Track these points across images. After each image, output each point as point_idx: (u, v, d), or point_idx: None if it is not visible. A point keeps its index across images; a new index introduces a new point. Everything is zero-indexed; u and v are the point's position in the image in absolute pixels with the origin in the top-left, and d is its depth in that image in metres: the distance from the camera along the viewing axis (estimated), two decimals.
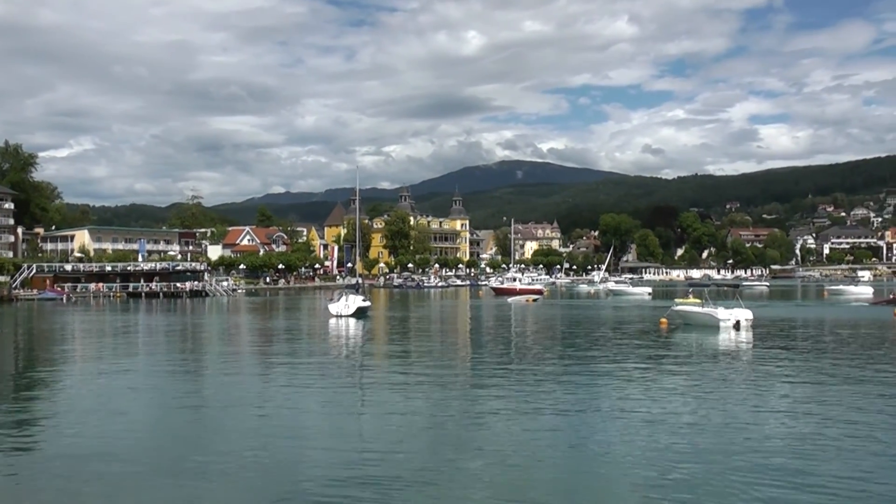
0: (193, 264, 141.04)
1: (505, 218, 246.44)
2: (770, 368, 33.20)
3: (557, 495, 14.92)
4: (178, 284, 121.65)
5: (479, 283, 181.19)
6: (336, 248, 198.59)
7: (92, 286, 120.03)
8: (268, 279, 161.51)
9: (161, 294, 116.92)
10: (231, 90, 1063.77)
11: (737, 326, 51.23)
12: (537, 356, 38.78)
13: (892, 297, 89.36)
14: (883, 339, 48.38)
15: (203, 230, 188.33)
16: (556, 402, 24.55)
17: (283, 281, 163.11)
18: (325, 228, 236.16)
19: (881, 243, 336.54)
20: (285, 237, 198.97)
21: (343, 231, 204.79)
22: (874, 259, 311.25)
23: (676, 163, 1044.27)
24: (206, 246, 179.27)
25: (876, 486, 15.32)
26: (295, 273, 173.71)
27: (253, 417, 22.69)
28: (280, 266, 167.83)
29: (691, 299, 76.65)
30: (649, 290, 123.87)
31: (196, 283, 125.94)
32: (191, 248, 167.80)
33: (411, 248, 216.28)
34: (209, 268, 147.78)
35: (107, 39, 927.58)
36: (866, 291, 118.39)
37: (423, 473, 16.34)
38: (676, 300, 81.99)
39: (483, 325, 64.89)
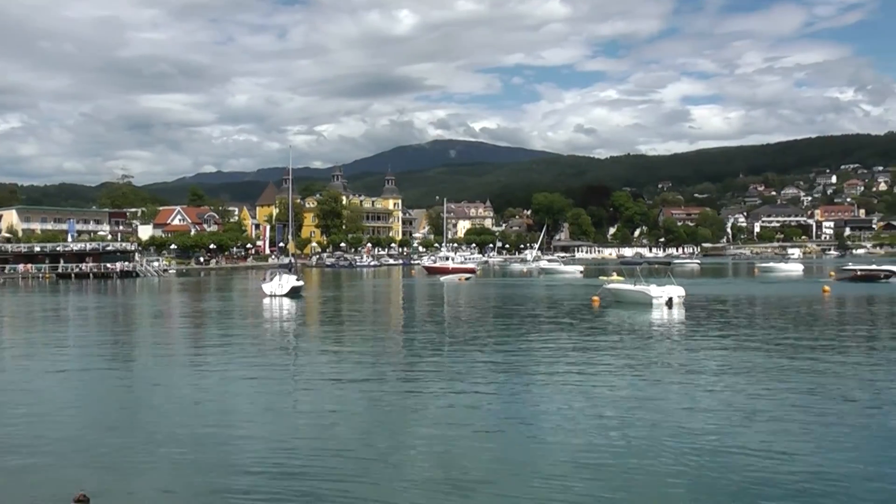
0: (124, 244, 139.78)
1: (438, 197, 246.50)
2: (702, 344, 33.64)
3: (493, 474, 14.94)
4: (109, 265, 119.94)
5: (412, 262, 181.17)
6: (268, 227, 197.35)
7: (20, 267, 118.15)
8: (200, 259, 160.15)
9: (91, 275, 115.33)
10: (161, 68, 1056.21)
11: (669, 303, 51.72)
12: (470, 335, 38.76)
13: (857, 273, 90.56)
14: (813, 314, 49.23)
15: (134, 210, 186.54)
16: (489, 381, 24.59)
17: (214, 261, 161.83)
18: (258, 208, 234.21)
19: (811, 222, 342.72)
20: (217, 217, 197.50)
21: (275, 210, 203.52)
22: (804, 237, 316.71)
23: (609, 142, 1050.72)
24: (136, 226, 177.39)
25: (803, 458, 15.59)
26: (227, 253, 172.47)
27: (183, 401, 22.39)
28: (212, 246, 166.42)
29: (615, 277, 77.67)
30: (581, 268, 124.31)
31: (127, 263, 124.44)
32: (121, 228, 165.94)
33: (344, 227, 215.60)
34: (140, 248, 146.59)
35: (34, 14, 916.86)
36: (796, 269, 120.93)
37: (356, 454, 16.29)
38: (601, 278, 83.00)
39: (416, 304, 65.02)
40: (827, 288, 69.68)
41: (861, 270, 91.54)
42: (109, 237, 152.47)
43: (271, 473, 15.03)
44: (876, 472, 14.83)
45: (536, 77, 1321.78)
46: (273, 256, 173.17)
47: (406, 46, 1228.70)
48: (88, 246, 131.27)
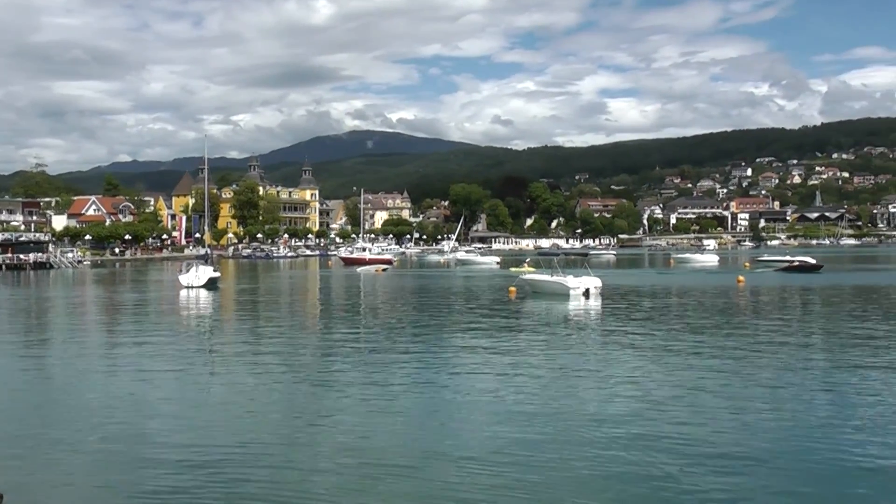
0: (37, 235, 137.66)
1: (355, 188, 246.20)
2: (618, 333, 34.21)
3: (410, 461, 15.11)
4: (22, 256, 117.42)
5: (329, 253, 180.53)
6: (184, 218, 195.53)
7: None
8: (115, 250, 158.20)
9: (3, 266, 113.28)
10: (75, 54, 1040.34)
11: (586, 294, 52.21)
12: (387, 327, 39.00)
13: (795, 263, 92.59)
14: (727, 304, 50.33)
15: (47, 199, 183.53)
16: (407, 372, 24.80)
17: (130, 252, 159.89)
18: (173, 198, 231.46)
19: (726, 213, 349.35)
20: (132, 207, 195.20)
21: (191, 201, 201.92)
22: (719, 228, 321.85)
23: (526, 134, 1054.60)
24: (50, 216, 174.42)
25: (717, 438, 16.02)
26: (142, 244, 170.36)
27: (98, 395, 22.14)
28: (127, 237, 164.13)
29: (525, 268, 78.61)
30: (498, 259, 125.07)
31: (40, 254, 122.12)
32: (35, 218, 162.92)
33: (260, 218, 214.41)
34: (54, 239, 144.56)
35: None
36: (712, 259, 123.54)
37: (274, 444, 16.45)
38: (511, 269, 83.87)
39: (333, 295, 65.12)
40: (741, 278, 71.22)
41: (798, 261, 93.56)
42: (22, 227, 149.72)
43: (187, 465, 15.08)
44: (788, 450, 15.47)
45: (454, 68, 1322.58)
46: (189, 247, 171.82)
47: (323, 36, 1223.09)
48: (1, 237, 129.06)
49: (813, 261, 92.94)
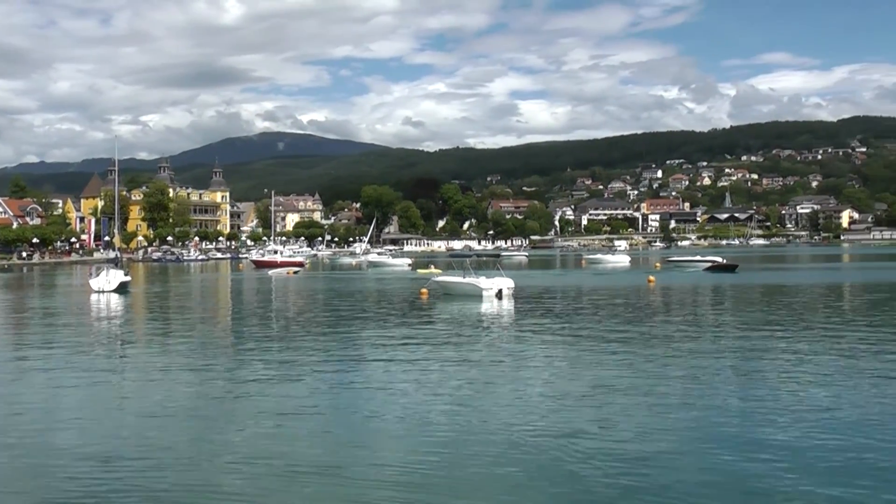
0: None
1: (266, 190, 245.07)
2: (531, 333, 34.68)
3: (322, 464, 15.15)
4: None
5: (240, 256, 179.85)
6: (93, 220, 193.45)
7: None
8: (22, 254, 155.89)
9: None
10: None
11: (499, 295, 52.50)
12: (299, 329, 39.03)
13: (718, 263, 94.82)
14: (638, 303, 51.58)
15: None
16: (319, 375, 24.89)
17: (38, 256, 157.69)
18: (82, 200, 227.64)
19: (637, 215, 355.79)
20: (40, 209, 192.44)
21: (101, 203, 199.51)
22: (630, 230, 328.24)
23: (438, 135, 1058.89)
24: None
25: (627, 434, 16.18)
26: (50, 247, 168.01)
27: (4, 404, 21.59)
28: (35, 240, 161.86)
29: (432, 269, 79.69)
30: (409, 261, 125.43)
31: None
32: None
33: (171, 220, 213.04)
34: None
35: None
36: (623, 260, 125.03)
37: (186, 449, 16.43)
38: (419, 271, 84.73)
39: (244, 298, 65.18)
40: (652, 278, 72.60)
41: (714, 261, 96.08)
42: None
43: (96, 473, 14.92)
44: (693, 445, 15.98)
45: (365, 69, 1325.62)
46: (99, 251, 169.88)
47: (233, 36, 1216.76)
48: None
49: (724, 260, 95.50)
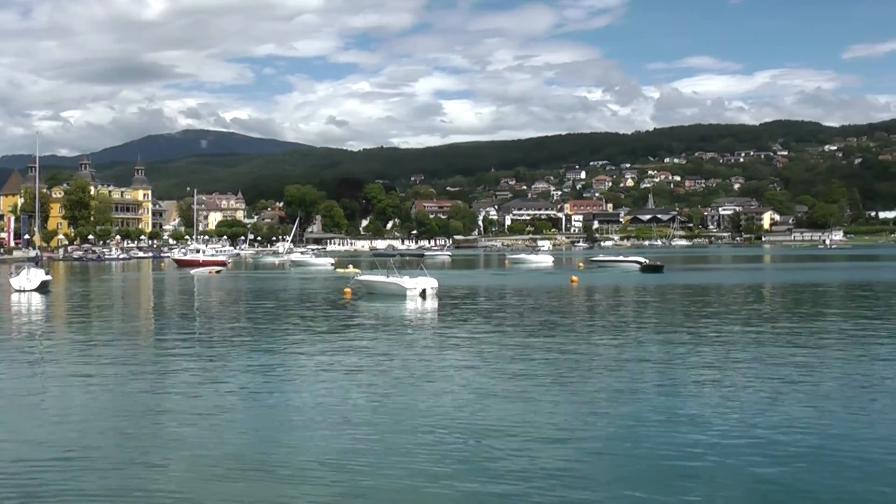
0: None
1: (189, 188, 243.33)
2: (456, 333, 35.07)
3: (241, 468, 15.16)
4: None
5: (162, 255, 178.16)
6: (13, 218, 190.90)
7: None
8: None
9: None
10: None
11: (423, 295, 52.86)
12: (221, 330, 38.83)
13: (656, 263, 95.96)
14: (561, 302, 52.42)
15: None
16: (242, 376, 24.84)
17: None
18: (1, 198, 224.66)
19: (560, 215, 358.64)
20: None
21: (20, 201, 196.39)
22: (554, 230, 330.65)
23: (362, 135, 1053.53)
24: None
25: (550, 427, 16.73)
26: None
27: None
28: None
29: (350, 269, 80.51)
30: (332, 260, 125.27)
31: None
32: None
33: (92, 219, 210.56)
34: None
35: None
36: (546, 260, 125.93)
37: (107, 451, 16.38)
38: (338, 270, 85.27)
39: (166, 298, 64.84)
40: (575, 278, 73.55)
41: (658, 262, 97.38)
42: None
43: (16, 475, 14.83)
44: (613, 433, 16.28)
45: (289, 68, 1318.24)
46: (19, 249, 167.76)
47: (155, 32, 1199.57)
48: None
49: (647, 261, 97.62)
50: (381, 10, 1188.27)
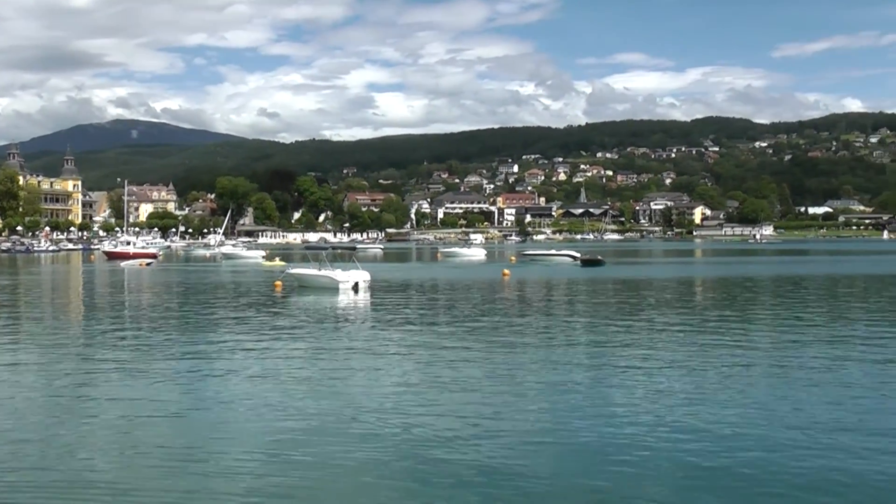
0: None
1: (119, 179, 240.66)
2: (388, 326, 35.14)
3: (173, 462, 15.02)
4: None
5: (92, 247, 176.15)
6: None
7: None
8: None
9: None
10: None
11: (355, 288, 52.71)
12: (151, 323, 38.33)
13: (598, 257, 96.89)
14: (492, 295, 52.63)
15: None
16: (172, 369, 24.50)
17: None
18: None
19: (493, 208, 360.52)
20: None
21: None
22: (486, 223, 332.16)
23: (293, 127, 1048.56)
24: None
25: (484, 420, 16.59)
26: None
27: None
28: None
29: (277, 262, 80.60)
30: (263, 253, 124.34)
31: None
32: None
33: (20, 209, 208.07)
34: None
35: None
36: (479, 253, 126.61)
37: (32, 444, 16.20)
38: (265, 263, 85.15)
39: (95, 291, 64.20)
40: (507, 272, 73.99)
41: (595, 257, 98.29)
42: None
43: None
44: (546, 422, 16.24)
45: (220, 58, 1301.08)
46: None
47: (84, 19, 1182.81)
48: None
49: (579, 254, 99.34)
50: (313, 1, 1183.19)
